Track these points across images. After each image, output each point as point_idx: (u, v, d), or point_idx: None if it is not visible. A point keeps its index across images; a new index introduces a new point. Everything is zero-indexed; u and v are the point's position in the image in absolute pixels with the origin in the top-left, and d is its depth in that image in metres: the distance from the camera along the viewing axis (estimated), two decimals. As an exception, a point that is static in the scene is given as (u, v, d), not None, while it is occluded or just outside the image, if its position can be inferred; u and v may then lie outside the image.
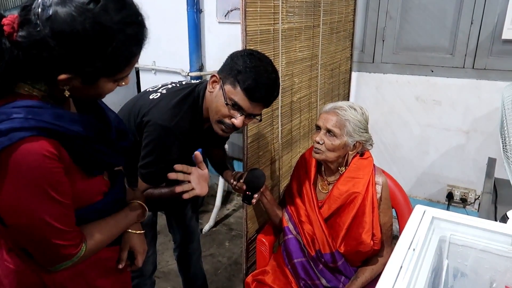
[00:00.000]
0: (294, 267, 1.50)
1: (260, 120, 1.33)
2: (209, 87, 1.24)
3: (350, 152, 1.43)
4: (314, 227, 1.44)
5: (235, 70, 1.17)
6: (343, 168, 1.46)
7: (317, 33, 1.91)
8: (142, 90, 1.46)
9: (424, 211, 0.96)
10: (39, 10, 0.69)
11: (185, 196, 1.14)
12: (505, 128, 1.33)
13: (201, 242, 1.92)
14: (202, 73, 2.93)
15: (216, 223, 2.85)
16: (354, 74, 2.62)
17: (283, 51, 1.62)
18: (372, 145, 1.48)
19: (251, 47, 1.38)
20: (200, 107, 1.28)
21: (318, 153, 1.41)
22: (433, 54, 2.44)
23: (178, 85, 1.36)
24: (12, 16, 0.72)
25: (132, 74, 3.86)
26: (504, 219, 1.21)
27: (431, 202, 2.66)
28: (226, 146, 2.90)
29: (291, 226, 1.52)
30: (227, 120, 1.21)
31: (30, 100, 0.75)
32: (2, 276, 0.86)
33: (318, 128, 1.42)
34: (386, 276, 0.75)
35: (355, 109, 1.41)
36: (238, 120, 1.19)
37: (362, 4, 2.55)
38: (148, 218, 1.48)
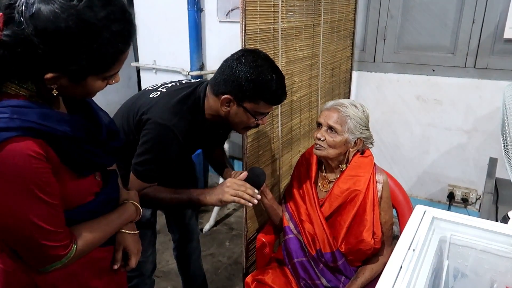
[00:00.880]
0: (294, 267, 1.49)
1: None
2: (223, 107, 1.22)
3: (351, 150, 1.43)
4: (315, 226, 1.44)
5: (248, 88, 1.17)
6: (344, 166, 1.45)
7: (317, 32, 1.90)
8: (142, 89, 1.45)
9: (425, 211, 0.96)
10: (23, 7, 0.68)
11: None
12: (507, 128, 1.32)
13: (201, 242, 1.92)
14: (202, 73, 2.92)
15: (217, 223, 2.85)
16: (354, 74, 2.62)
17: (283, 50, 1.61)
18: (372, 144, 1.48)
19: (251, 46, 1.37)
20: (202, 108, 1.28)
21: (319, 149, 1.40)
22: (434, 53, 2.43)
23: (178, 84, 1.36)
24: None
25: (133, 73, 3.86)
26: (505, 219, 1.20)
27: (432, 202, 2.65)
28: (226, 145, 2.91)
29: (292, 226, 1.52)
30: (253, 125, 1.28)
31: (17, 100, 0.75)
32: None
33: (319, 125, 1.42)
34: (386, 276, 0.75)
35: (356, 106, 1.41)
36: (264, 120, 1.29)
37: (363, 2, 2.54)
38: (147, 217, 1.48)
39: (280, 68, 1.26)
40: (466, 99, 2.39)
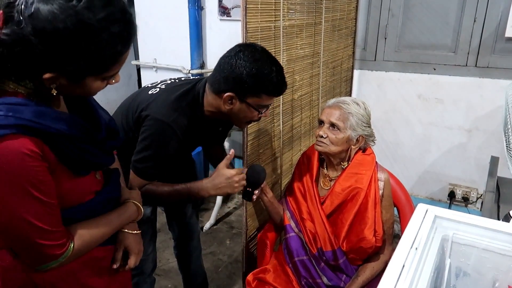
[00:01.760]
0: (295, 265, 1.49)
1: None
2: (225, 105, 1.22)
3: (352, 147, 1.43)
4: (316, 224, 1.44)
5: (249, 83, 1.17)
6: (346, 164, 1.45)
7: (319, 31, 1.90)
8: (142, 87, 1.45)
9: (427, 210, 0.96)
10: (22, 7, 0.68)
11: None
12: (509, 127, 1.32)
13: (201, 240, 1.91)
14: (203, 71, 2.92)
15: (217, 221, 2.85)
16: (356, 72, 2.61)
17: (284, 48, 1.61)
18: (374, 142, 1.47)
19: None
20: (201, 105, 1.27)
21: (320, 145, 1.40)
22: (435, 52, 2.42)
23: (177, 80, 1.36)
24: None
25: (133, 71, 3.86)
26: (507, 218, 1.20)
27: (432, 201, 2.65)
28: (226, 143, 2.90)
29: (293, 224, 1.52)
30: (256, 118, 1.28)
31: (14, 97, 0.74)
32: None
33: (321, 122, 1.42)
34: (388, 275, 0.75)
35: (358, 104, 1.41)
36: (266, 113, 1.29)
37: (365, 1, 2.53)
38: (147, 215, 1.48)
39: (270, 53, 1.26)
40: (467, 98, 2.38)
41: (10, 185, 0.71)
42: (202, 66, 2.96)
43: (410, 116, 2.59)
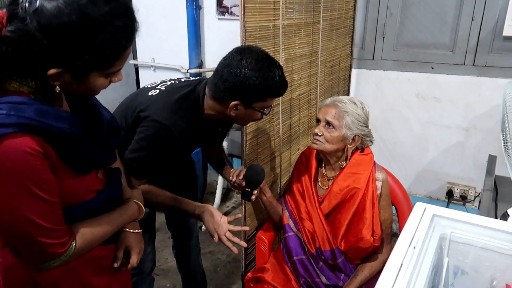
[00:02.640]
0: (294, 265, 1.49)
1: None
2: (231, 111, 1.22)
3: (349, 146, 1.43)
4: (314, 224, 1.44)
5: (255, 91, 1.18)
6: (343, 163, 1.46)
7: (317, 30, 1.90)
8: (141, 87, 1.45)
9: (425, 209, 0.96)
10: (27, 4, 0.68)
11: None
12: (507, 125, 1.33)
13: (200, 239, 1.91)
14: (201, 70, 2.92)
15: (216, 221, 2.84)
16: (354, 71, 2.61)
17: (283, 47, 1.61)
18: (372, 142, 1.48)
19: (251, 44, 1.37)
20: (201, 107, 1.27)
21: (316, 143, 1.41)
22: (433, 51, 2.43)
23: (177, 82, 1.35)
24: (0, 12, 0.71)
25: (131, 71, 3.85)
26: (505, 216, 1.20)
27: (431, 200, 2.66)
28: (225, 143, 2.90)
29: (291, 223, 1.52)
30: (259, 117, 1.30)
31: (17, 97, 0.74)
32: None
33: (318, 121, 1.43)
34: (386, 274, 0.75)
35: (355, 103, 1.41)
36: (268, 111, 1.30)
37: (362, 0, 2.53)
38: (146, 215, 1.47)
39: (268, 53, 1.26)
40: (465, 97, 2.39)
41: (13, 183, 0.71)
42: (200, 65, 2.96)
43: (408, 115, 2.60)
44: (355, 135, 1.41)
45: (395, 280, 0.73)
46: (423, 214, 0.94)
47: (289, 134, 1.86)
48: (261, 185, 1.44)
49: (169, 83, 1.34)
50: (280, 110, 1.70)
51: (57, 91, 0.76)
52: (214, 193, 2.97)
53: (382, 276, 0.74)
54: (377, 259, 1.43)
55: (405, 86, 2.56)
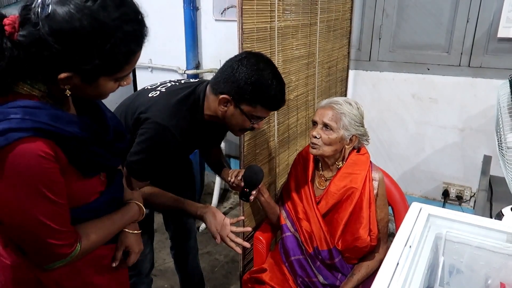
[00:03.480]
0: (292, 265, 1.50)
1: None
2: (220, 107, 1.22)
3: (346, 147, 1.44)
4: (312, 224, 1.45)
5: (246, 90, 1.17)
6: (340, 163, 1.47)
7: (314, 31, 1.91)
8: (138, 88, 1.45)
9: (421, 209, 0.97)
10: (39, 9, 0.70)
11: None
12: (501, 126, 1.34)
13: (198, 240, 1.92)
14: (198, 71, 2.92)
15: (213, 221, 2.85)
16: (351, 72, 2.63)
17: (280, 49, 1.62)
18: (368, 141, 1.49)
19: (248, 45, 1.38)
20: (201, 108, 1.28)
21: (315, 148, 1.41)
22: (429, 52, 2.44)
23: (177, 83, 1.35)
24: (13, 16, 0.73)
25: (129, 72, 3.84)
26: (499, 216, 1.21)
27: (427, 200, 2.67)
28: (223, 144, 2.91)
29: (289, 224, 1.53)
30: (249, 127, 1.28)
31: (29, 100, 0.76)
32: None
33: (315, 123, 1.43)
34: (382, 273, 0.76)
35: (350, 104, 1.43)
36: (259, 124, 1.29)
37: (359, 1, 2.55)
38: (144, 216, 1.48)
39: (276, 66, 1.27)
40: (461, 98, 2.41)
41: (26, 186, 0.73)
42: (198, 66, 2.96)
43: (404, 116, 2.61)
44: (353, 136, 1.42)
45: (392, 279, 0.74)
46: (419, 214, 0.95)
47: (287, 135, 1.87)
48: (259, 185, 1.45)
49: (169, 84, 1.34)
50: (277, 112, 1.71)
51: (67, 94, 0.78)
52: (211, 194, 2.98)
53: (378, 275, 0.75)
54: (373, 259, 1.44)
55: (401, 87, 2.57)
